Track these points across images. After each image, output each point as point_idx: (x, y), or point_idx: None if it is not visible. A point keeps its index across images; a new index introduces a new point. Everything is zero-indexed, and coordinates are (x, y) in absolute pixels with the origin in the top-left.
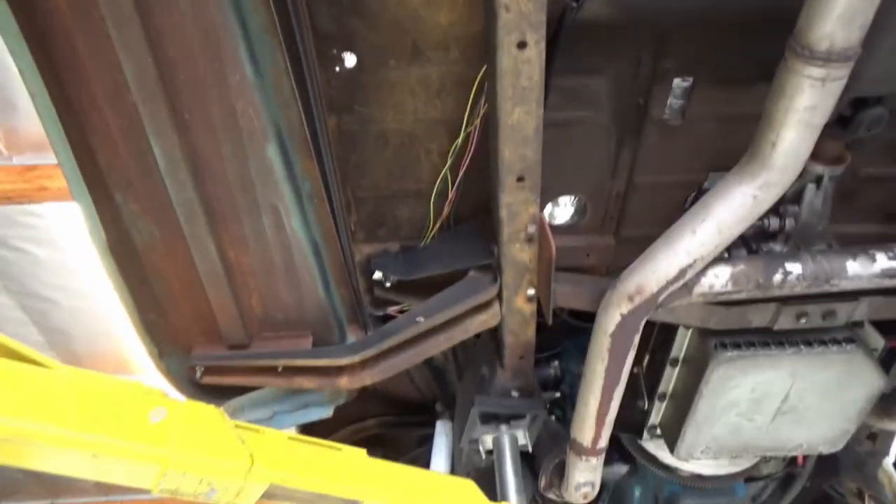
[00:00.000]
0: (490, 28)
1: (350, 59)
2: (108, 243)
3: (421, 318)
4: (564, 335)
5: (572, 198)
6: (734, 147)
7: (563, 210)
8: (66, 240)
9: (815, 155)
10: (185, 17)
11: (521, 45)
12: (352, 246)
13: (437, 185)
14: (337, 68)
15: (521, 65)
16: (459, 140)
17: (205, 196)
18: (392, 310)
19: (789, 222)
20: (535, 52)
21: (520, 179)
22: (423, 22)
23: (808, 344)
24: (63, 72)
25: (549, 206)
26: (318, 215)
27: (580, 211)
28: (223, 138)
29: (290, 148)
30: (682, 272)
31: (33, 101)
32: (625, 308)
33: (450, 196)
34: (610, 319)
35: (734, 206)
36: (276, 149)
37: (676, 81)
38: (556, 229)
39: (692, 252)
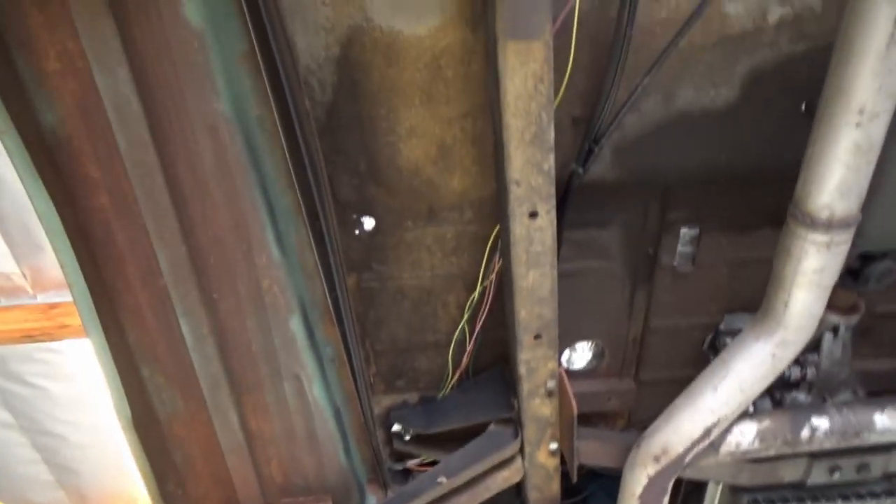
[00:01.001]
0: (503, 199)
1: (369, 223)
2: (132, 419)
3: (442, 479)
4: (590, 478)
5: (590, 343)
6: (747, 289)
7: (581, 355)
8: (78, 374)
9: (830, 305)
10: (218, 207)
11: (533, 214)
12: (371, 401)
13: (455, 337)
14: (356, 231)
15: (534, 232)
16: (476, 294)
17: (229, 368)
18: (412, 463)
19: (811, 371)
20: (547, 221)
21: (537, 337)
22: (438, 188)
23: (846, 498)
24: (100, 259)
25: (567, 352)
26: (340, 378)
27: (598, 356)
28: (249, 314)
29: (312, 317)
30: (708, 431)
31: (70, 290)
32: (651, 469)
33: (468, 347)
34: (637, 482)
35: (754, 363)
36: (300, 320)
37: (684, 230)
38: (575, 374)
39: (716, 410)
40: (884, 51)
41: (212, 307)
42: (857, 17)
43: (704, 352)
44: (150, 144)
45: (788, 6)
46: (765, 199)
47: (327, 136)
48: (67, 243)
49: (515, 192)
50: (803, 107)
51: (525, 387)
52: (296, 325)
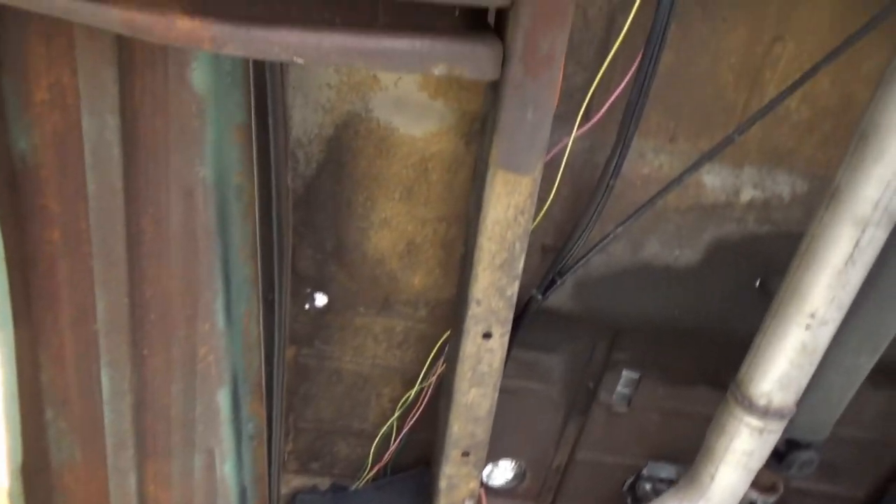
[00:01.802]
0: (459, 313)
1: (321, 300)
2: (21, 465)
3: None
4: None
5: (513, 462)
6: (675, 440)
7: (502, 472)
8: None
9: (752, 482)
10: (172, 267)
11: (487, 335)
12: (280, 482)
13: (382, 430)
14: (307, 306)
15: (484, 352)
16: (413, 393)
17: (141, 429)
18: None
19: None
20: (499, 344)
21: (465, 454)
22: (398, 281)
23: None
24: (35, 291)
25: (489, 466)
26: (254, 458)
27: (520, 476)
28: (177, 379)
29: (241, 391)
30: None
31: None
32: None
33: (392, 444)
34: None
35: None
36: (228, 393)
37: (626, 373)
38: (493, 491)
39: None
40: (841, 267)
41: (139, 364)
42: (824, 229)
43: (623, 493)
44: (119, 193)
45: (760, 190)
46: (707, 359)
47: (301, 208)
48: (3, 266)
49: (474, 311)
50: (758, 283)
51: (442, 501)
52: (223, 397)
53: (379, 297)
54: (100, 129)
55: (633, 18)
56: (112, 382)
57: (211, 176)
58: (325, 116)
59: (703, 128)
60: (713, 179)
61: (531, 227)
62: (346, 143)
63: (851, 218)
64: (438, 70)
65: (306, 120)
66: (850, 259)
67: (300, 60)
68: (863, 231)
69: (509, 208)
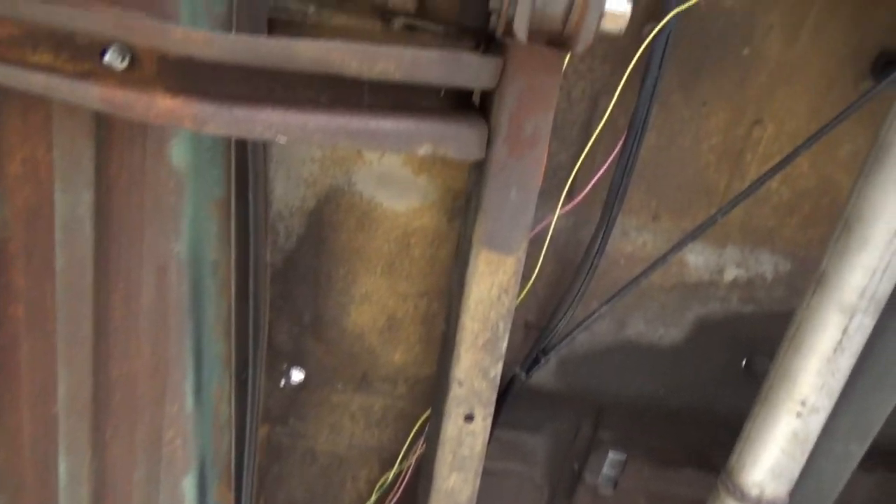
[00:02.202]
0: (440, 394)
1: (297, 376)
2: None
3: None
4: None
5: None
6: None
7: None
8: None
9: None
10: (141, 346)
11: (469, 417)
12: None
13: None
14: (282, 382)
15: (466, 435)
16: (391, 475)
17: None
18: None
19: None
20: (482, 427)
21: None
22: (378, 357)
23: None
24: None
25: None
26: None
27: None
28: (140, 464)
29: (209, 476)
30: None
31: None
32: None
33: None
34: None
35: None
36: (195, 479)
37: (611, 454)
38: None
39: None
40: (830, 355)
41: (100, 449)
42: (811, 315)
43: None
44: (89, 270)
45: (743, 270)
46: (694, 440)
47: (280, 281)
48: None
49: (456, 392)
50: (744, 363)
51: None
52: (188, 484)
53: (357, 374)
54: (73, 204)
55: (616, 100)
56: (70, 468)
57: (186, 252)
58: (308, 190)
59: (685, 207)
60: (696, 258)
61: (513, 307)
62: (328, 217)
63: (839, 305)
64: (423, 150)
65: (288, 193)
66: (839, 346)
67: (283, 140)
68: (850, 318)
69: (493, 288)
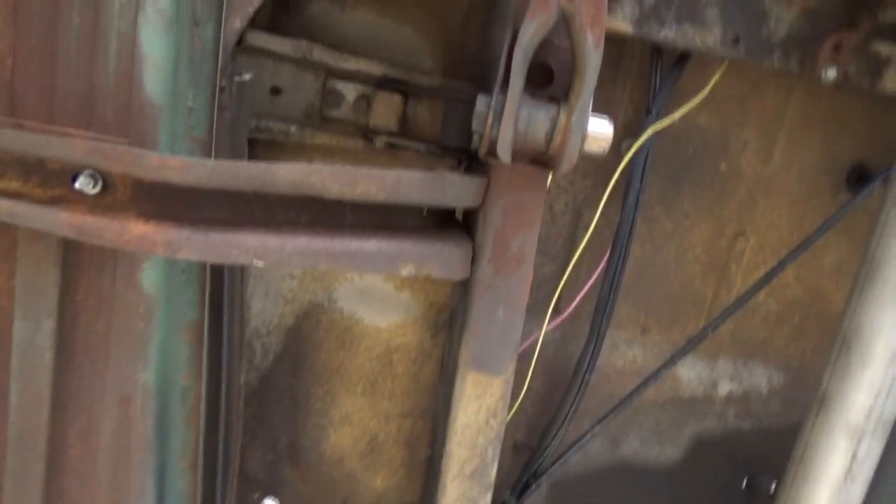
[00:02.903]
0: None
1: None
2: None
3: None
4: None
5: None
6: None
7: None
8: None
9: None
10: (98, 486)
11: None
12: None
13: None
14: None
15: None
16: None
17: None
18: None
19: None
20: None
21: None
22: (358, 483)
23: None
24: None
25: None
26: None
27: None
28: None
29: None
30: None
31: None
32: None
33: None
34: None
35: None
36: None
37: None
38: None
39: None
40: (841, 483)
41: None
42: (818, 439)
43: None
44: (46, 403)
45: (737, 383)
46: None
47: (254, 403)
48: None
49: None
50: (745, 483)
51: None
52: None
53: (336, 502)
54: (33, 333)
55: (600, 213)
56: None
57: (153, 380)
58: (286, 307)
59: (674, 319)
60: (689, 372)
61: (503, 429)
62: (307, 334)
63: (845, 428)
64: (406, 271)
65: (266, 310)
66: (850, 473)
67: (260, 264)
68: (858, 443)
69: (480, 411)
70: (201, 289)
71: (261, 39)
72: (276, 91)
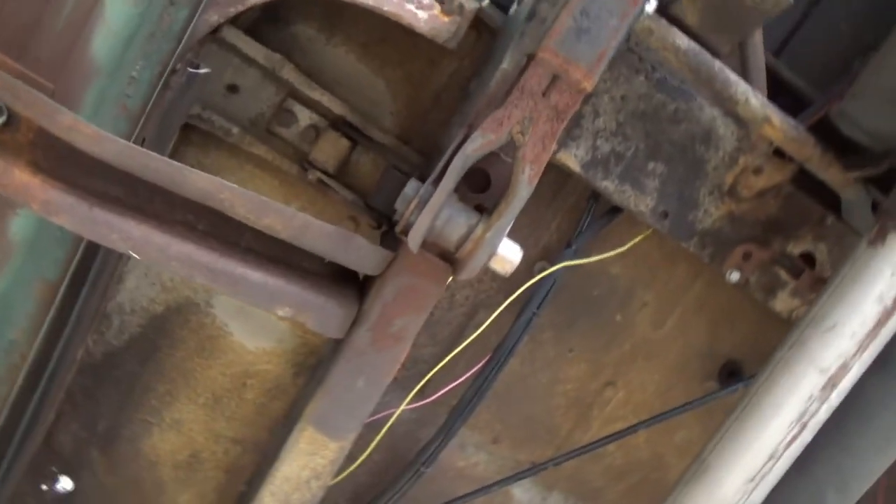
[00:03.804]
0: None
1: (66, 484)
2: None
3: None
4: None
5: None
6: None
7: None
8: None
9: None
10: None
11: None
12: None
13: None
14: (44, 486)
15: None
16: None
17: None
18: None
19: None
20: None
21: None
22: (164, 493)
23: None
24: None
25: None
26: None
27: None
28: None
29: None
30: None
31: None
32: None
33: None
34: None
35: None
36: None
37: None
38: None
39: None
40: None
41: None
42: None
43: None
44: None
45: None
46: None
47: (88, 376)
48: None
49: None
50: None
51: None
52: None
53: None
54: None
55: (494, 319)
56: None
57: None
58: (161, 294)
59: (526, 439)
60: (522, 494)
61: (321, 494)
62: (171, 328)
63: None
64: (283, 312)
65: (139, 289)
66: None
67: (137, 257)
68: None
69: (305, 469)
70: (73, 250)
71: (237, 38)
72: (233, 89)
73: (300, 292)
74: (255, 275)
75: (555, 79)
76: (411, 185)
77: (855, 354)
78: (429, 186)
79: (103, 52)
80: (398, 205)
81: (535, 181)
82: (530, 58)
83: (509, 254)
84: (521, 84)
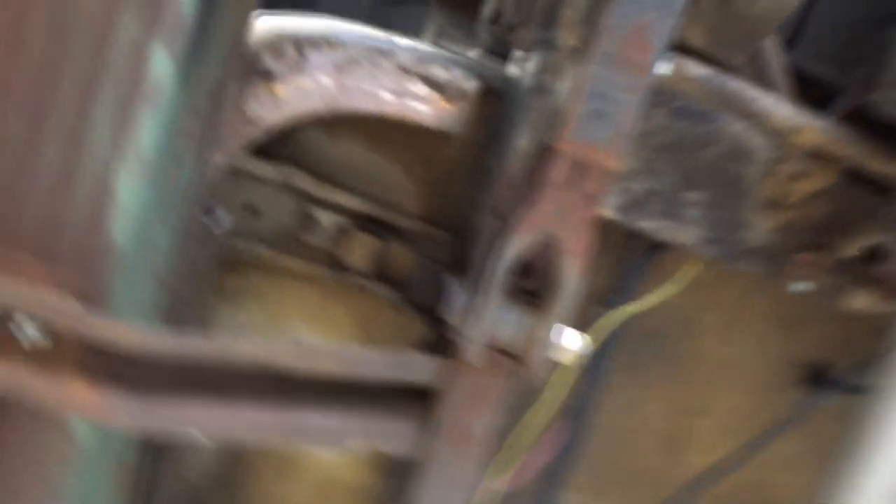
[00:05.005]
0: None
1: None
2: None
3: None
4: None
5: None
6: None
7: None
8: None
9: None
10: None
11: None
12: None
13: None
14: None
15: None
16: None
17: None
18: None
19: None
20: None
21: None
22: None
23: None
24: None
25: None
26: None
27: None
28: None
29: None
30: None
31: None
32: None
33: None
34: None
35: None
36: None
37: None
38: None
39: None
40: None
41: None
42: None
43: None
44: None
45: None
46: None
47: None
48: None
49: None
50: None
51: None
52: None
53: None
54: None
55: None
56: None
57: None
58: None
59: (626, 486)
60: None
61: None
62: (247, 457)
63: None
64: (354, 444)
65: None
66: None
67: (204, 440)
68: None
69: None
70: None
71: (243, 163)
72: (250, 209)
73: (364, 422)
74: (320, 418)
75: (579, 166)
76: (458, 297)
77: None
78: (473, 294)
79: (123, 234)
80: (448, 314)
81: (583, 271)
82: (547, 148)
83: (569, 343)
84: (544, 179)
